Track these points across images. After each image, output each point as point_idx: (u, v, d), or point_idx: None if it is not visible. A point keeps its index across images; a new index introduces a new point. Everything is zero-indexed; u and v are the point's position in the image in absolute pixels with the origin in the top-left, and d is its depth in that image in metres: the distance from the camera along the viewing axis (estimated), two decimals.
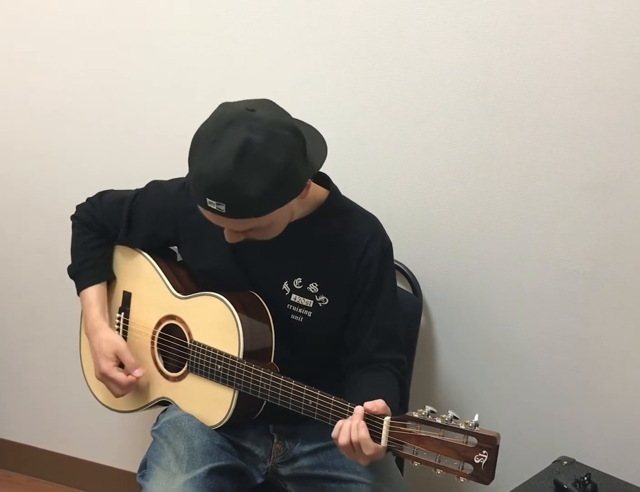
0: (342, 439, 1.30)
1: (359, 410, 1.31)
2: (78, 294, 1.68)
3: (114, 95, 2.03)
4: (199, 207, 1.36)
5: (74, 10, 2.00)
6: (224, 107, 1.36)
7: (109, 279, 1.69)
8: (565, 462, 1.56)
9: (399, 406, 1.49)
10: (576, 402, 1.80)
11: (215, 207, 1.30)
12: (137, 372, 1.59)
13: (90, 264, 1.67)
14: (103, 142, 2.07)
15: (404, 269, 1.84)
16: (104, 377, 1.60)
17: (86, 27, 2.00)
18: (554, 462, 1.58)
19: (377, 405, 1.30)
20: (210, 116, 1.35)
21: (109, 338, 1.62)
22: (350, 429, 1.30)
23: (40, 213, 2.20)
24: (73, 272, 1.69)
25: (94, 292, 1.66)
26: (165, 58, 1.95)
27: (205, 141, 1.31)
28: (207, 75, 1.92)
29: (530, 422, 1.85)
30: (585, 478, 1.46)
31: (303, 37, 1.81)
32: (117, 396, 1.62)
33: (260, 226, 1.37)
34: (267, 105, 1.37)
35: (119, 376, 1.58)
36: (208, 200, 1.30)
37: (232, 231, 1.40)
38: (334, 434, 1.32)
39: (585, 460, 1.58)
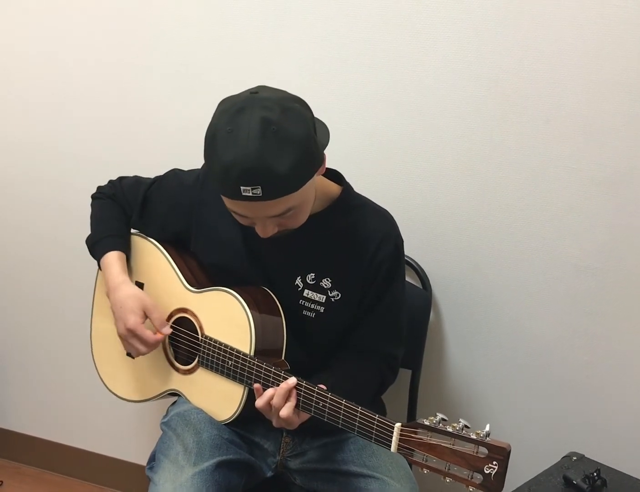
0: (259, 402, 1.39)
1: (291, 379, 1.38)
2: (98, 260, 1.62)
3: (123, 88, 2.03)
4: (231, 201, 1.33)
5: (83, 3, 2.00)
6: (225, 100, 1.35)
7: (128, 255, 1.65)
8: (574, 458, 1.56)
9: (372, 400, 1.52)
10: (586, 398, 1.80)
11: (251, 194, 1.27)
12: (166, 330, 1.52)
13: (113, 232, 1.63)
14: (112, 135, 2.08)
15: (414, 264, 1.84)
16: (130, 334, 1.51)
17: (96, 19, 2.00)
18: (563, 457, 1.58)
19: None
20: (216, 113, 1.34)
21: (134, 293, 1.54)
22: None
23: (48, 206, 2.21)
24: (94, 239, 1.64)
25: (115, 255, 1.60)
26: (174, 51, 1.95)
27: (221, 134, 1.29)
28: (216, 70, 1.92)
29: (540, 417, 1.85)
30: (595, 474, 1.46)
31: (314, 30, 1.81)
32: (138, 354, 1.54)
33: (294, 205, 1.34)
34: (265, 87, 1.37)
35: (147, 333, 1.50)
36: (242, 188, 1.27)
37: (267, 220, 1.36)
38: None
39: (594, 456, 1.57)
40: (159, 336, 1.52)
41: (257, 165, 1.25)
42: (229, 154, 1.27)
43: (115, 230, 1.64)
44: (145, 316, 1.53)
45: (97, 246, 1.63)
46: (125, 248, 1.64)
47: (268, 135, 1.26)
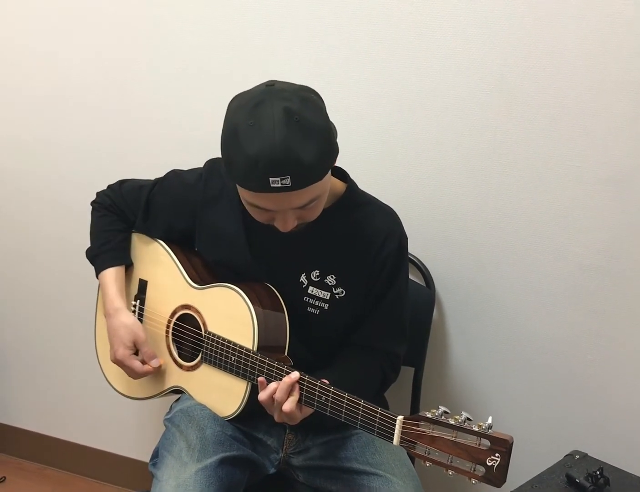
0: (262, 395, 1.40)
1: (294, 374, 1.39)
2: (97, 275, 1.66)
3: (124, 85, 2.03)
4: (256, 194, 1.31)
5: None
6: (239, 97, 1.35)
7: (128, 264, 1.67)
8: (577, 457, 1.56)
9: (373, 398, 1.51)
10: (590, 397, 1.80)
11: (280, 185, 1.26)
12: (155, 363, 1.59)
13: (111, 246, 1.65)
14: (112, 132, 2.08)
15: (417, 262, 1.84)
16: (119, 363, 1.59)
17: (98, 16, 2.00)
18: (566, 456, 1.58)
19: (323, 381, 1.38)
20: (231, 109, 1.33)
21: (127, 324, 1.59)
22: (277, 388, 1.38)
23: (55, 205, 2.21)
24: (92, 254, 1.67)
25: (113, 273, 1.63)
26: (175, 50, 1.95)
27: (243, 128, 1.27)
28: (219, 66, 1.92)
29: (543, 415, 1.85)
30: (598, 472, 1.46)
31: (317, 27, 1.81)
32: (132, 378, 1.62)
33: (317, 194, 1.34)
34: (277, 81, 1.36)
35: (135, 363, 1.57)
36: (271, 179, 1.26)
37: (289, 212, 1.35)
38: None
39: (597, 454, 1.57)
40: (147, 368, 1.58)
41: (286, 155, 1.25)
42: (255, 146, 1.26)
43: (114, 243, 1.66)
44: (136, 348, 1.59)
45: (95, 261, 1.66)
46: (123, 260, 1.66)
47: (292, 125, 1.26)
